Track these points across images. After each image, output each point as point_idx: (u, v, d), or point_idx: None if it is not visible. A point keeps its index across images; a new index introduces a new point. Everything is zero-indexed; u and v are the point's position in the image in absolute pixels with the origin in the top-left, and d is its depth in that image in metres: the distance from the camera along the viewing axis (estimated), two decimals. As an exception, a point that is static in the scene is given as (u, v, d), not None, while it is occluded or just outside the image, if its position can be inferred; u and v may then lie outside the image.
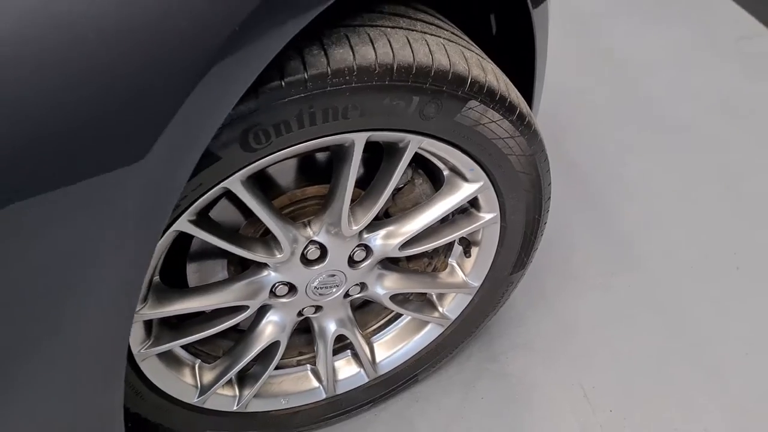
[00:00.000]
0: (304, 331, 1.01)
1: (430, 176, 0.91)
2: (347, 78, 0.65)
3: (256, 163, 0.67)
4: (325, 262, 0.83)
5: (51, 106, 0.45)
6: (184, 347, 0.89)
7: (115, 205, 0.52)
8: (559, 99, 1.58)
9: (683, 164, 1.50)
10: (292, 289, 0.84)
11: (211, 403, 0.92)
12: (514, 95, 0.79)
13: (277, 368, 0.96)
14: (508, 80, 0.80)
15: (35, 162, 0.46)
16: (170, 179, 0.54)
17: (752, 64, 1.74)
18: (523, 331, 1.21)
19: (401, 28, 0.70)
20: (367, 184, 0.82)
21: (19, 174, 0.46)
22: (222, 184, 0.67)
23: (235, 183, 0.68)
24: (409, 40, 0.69)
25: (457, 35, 0.77)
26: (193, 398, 0.89)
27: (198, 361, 0.90)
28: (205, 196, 0.68)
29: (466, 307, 1.02)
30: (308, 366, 1.02)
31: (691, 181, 1.46)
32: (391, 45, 0.67)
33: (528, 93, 0.95)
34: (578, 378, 1.15)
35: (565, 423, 1.09)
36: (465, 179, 0.84)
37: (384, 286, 0.93)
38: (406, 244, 0.87)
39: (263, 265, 0.82)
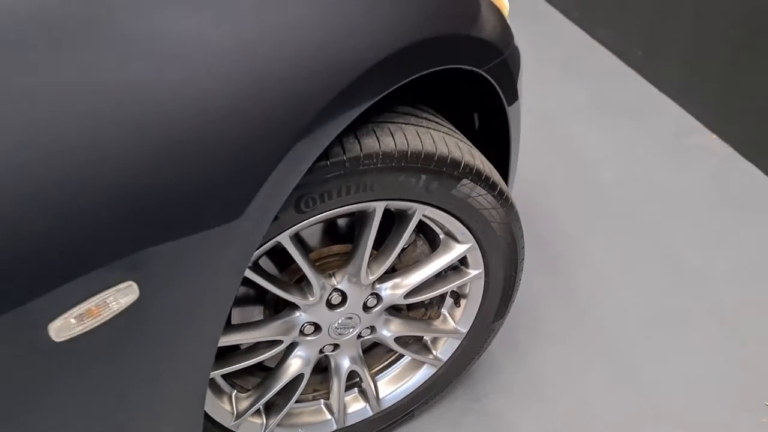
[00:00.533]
0: (318, 372, 1.19)
1: (428, 239, 1.13)
2: (374, 161, 0.87)
3: (303, 222, 0.88)
4: (345, 307, 1.03)
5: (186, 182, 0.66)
6: (224, 377, 1.07)
7: (219, 256, 0.72)
8: (528, 180, 1.84)
9: (628, 239, 1.75)
10: (317, 328, 1.04)
11: (243, 428, 1.09)
12: (495, 176, 1.03)
13: (296, 402, 1.14)
14: (490, 164, 1.04)
15: (173, 214, 0.67)
16: (255, 234, 0.75)
17: (687, 157, 2.03)
18: (501, 377, 1.41)
19: (411, 124, 0.94)
20: (378, 244, 1.03)
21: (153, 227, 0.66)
22: (276, 239, 0.88)
23: (285, 238, 0.89)
24: (418, 133, 0.92)
25: (452, 130, 1.01)
26: (230, 423, 1.06)
27: (234, 391, 1.08)
28: (262, 248, 0.88)
29: (455, 351, 1.22)
30: (322, 401, 1.20)
31: (636, 253, 1.71)
32: (405, 136, 0.91)
33: (505, 173, 1.19)
34: (549, 418, 1.34)
35: (539, 455, 1.27)
36: (457, 241, 1.07)
37: (389, 330, 1.12)
38: (408, 294, 1.08)
39: (295, 308, 1.01)
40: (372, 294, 1.05)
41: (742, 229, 1.78)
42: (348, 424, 1.20)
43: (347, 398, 1.21)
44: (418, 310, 1.21)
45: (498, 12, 1.03)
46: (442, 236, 1.08)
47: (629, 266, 1.67)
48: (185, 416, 0.87)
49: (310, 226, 0.95)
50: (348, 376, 1.16)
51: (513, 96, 1.08)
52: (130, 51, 0.64)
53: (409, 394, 1.23)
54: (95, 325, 0.67)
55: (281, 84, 0.70)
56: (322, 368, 1.18)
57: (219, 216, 0.70)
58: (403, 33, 0.82)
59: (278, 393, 1.09)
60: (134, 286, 0.67)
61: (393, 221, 1.02)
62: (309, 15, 0.75)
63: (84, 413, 0.75)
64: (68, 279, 0.63)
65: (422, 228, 1.10)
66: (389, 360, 1.23)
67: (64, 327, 0.65)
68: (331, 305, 1.02)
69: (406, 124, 0.93)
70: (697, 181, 1.94)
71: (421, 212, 0.98)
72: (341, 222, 1.07)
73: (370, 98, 0.80)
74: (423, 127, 0.95)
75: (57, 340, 0.65)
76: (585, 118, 2.19)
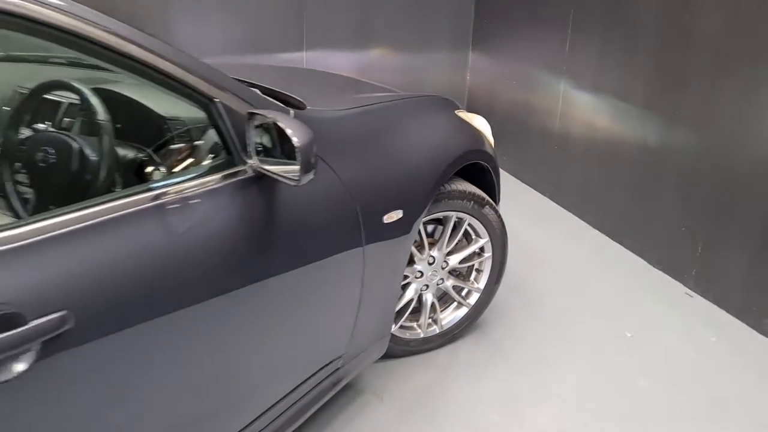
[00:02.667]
0: (414, 311, 2.42)
1: (466, 237, 2.45)
2: (453, 194, 2.22)
3: (425, 218, 2.20)
4: (433, 265, 2.32)
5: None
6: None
7: (407, 244, 2.02)
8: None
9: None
10: (422, 274, 2.31)
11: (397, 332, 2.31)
12: (494, 204, 2.38)
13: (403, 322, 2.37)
14: (490, 199, 2.39)
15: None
16: (415, 233, 2.06)
17: (578, 236, 3.46)
18: (500, 325, 2.66)
19: (462, 182, 2.31)
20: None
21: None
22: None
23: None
24: (466, 186, 2.29)
25: (473, 186, 2.37)
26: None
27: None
28: (408, 230, 2.19)
29: (477, 300, 2.49)
30: (416, 323, 2.42)
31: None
32: (463, 186, 2.27)
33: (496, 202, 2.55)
34: (535, 346, 2.59)
35: None
36: (480, 237, 2.39)
37: (450, 281, 2.40)
38: (459, 263, 2.38)
39: (413, 263, 2.29)
40: (444, 260, 2.35)
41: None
42: (427, 336, 2.42)
43: (428, 322, 2.45)
44: (461, 275, 2.50)
45: (489, 142, 2.45)
46: (473, 235, 2.40)
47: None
48: (391, 313, 2.10)
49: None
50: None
51: (497, 175, 2.48)
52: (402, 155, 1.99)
53: (454, 324, 2.48)
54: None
55: (432, 164, 2.07)
56: (415, 309, 2.42)
57: (408, 228, 2.00)
58: (460, 148, 2.21)
59: (398, 311, 2.32)
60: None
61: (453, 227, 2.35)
62: (435, 147, 2.14)
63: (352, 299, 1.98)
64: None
65: (465, 233, 2.42)
66: (447, 305, 2.49)
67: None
68: (428, 264, 2.31)
69: (460, 182, 2.30)
70: (581, 252, 3.36)
71: (468, 220, 2.31)
72: (430, 227, 2.38)
73: (452, 171, 2.17)
74: (468, 181, 2.31)
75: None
76: (526, 227, 3.62)
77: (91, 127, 1.49)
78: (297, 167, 1.36)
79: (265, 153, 1.44)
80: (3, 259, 1.04)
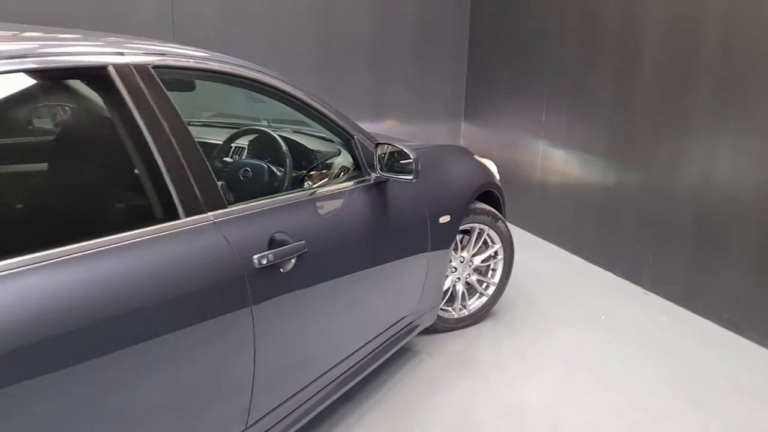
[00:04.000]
0: (450, 300, 3.35)
1: (484, 243, 3.42)
2: (476, 211, 3.21)
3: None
4: (464, 262, 3.27)
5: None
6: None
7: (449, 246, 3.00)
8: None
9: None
10: (456, 269, 3.26)
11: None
12: (504, 221, 3.37)
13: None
14: (500, 215, 3.38)
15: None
16: (454, 241, 3.05)
17: (568, 270, 4.46)
18: (512, 313, 3.59)
19: (482, 203, 3.30)
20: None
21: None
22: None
23: (454, 232, 3.18)
24: (485, 206, 3.29)
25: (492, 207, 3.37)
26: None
27: (429, 293, 3.25)
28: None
29: (493, 291, 3.43)
30: (450, 307, 3.34)
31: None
32: (483, 205, 3.27)
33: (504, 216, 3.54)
34: (544, 340, 3.51)
35: None
36: (494, 243, 3.37)
37: (474, 275, 3.35)
38: (481, 263, 3.34)
39: (450, 261, 3.24)
40: (470, 260, 3.31)
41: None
42: (459, 317, 3.34)
43: (456, 305, 3.37)
44: (481, 272, 3.44)
45: (497, 177, 3.48)
46: (489, 242, 3.37)
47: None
48: (441, 290, 3.04)
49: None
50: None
51: (504, 200, 3.49)
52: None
53: (478, 309, 3.41)
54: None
55: (466, 187, 3.08)
56: (451, 297, 3.34)
57: (453, 228, 2.99)
58: (481, 179, 3.24)
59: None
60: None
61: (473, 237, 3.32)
62: (466, 177, 3.16)
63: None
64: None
65: (484, 241, 3.39)
66: (472, 294, 3.43)
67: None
68: (459, 262, 3.26)
69: (480, 203, 3.30)
70: (562, 268, 4.36)
71: (486, 231, 3.30)
72: (459, 237, 3.35)
73: (476, 195, 3.18)
74: (484, 203, 3.31)
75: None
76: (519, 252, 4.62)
77: (275, 155, 2.45)
78: (408, 176, 2.33)
79: (381, 169, 2.41)
80: (287, 210, 1.98)
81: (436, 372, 2.97)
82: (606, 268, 4.30)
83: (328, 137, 2.55)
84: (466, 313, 3.38)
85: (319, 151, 2.61)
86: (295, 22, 5.01)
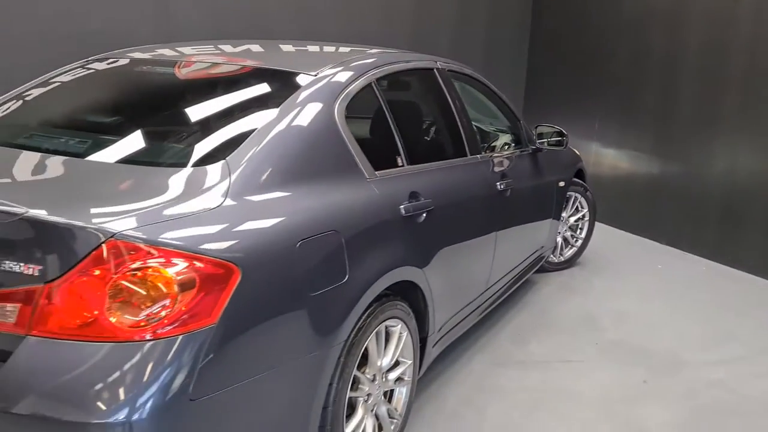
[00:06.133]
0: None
1: (575, 209, 4.67)
2: (575, 185, 4.47)
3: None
4: (563, 220, 4.52)
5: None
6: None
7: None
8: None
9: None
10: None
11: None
12: (590, 191, 4.63)
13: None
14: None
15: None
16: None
17: (621, 242, 5.73)
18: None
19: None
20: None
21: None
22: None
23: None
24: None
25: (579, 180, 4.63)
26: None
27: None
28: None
29: (580, 244, 4.67)
30: (552, 254, 4.57)
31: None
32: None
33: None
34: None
35: None
36: (583, 208, 4.62)
37: (568, 232, 4.60)
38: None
39: (554, 219, 4.49)
40: (567, 219, 4.55)
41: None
42: (559, 261, 4.57)
43: (559, 253, 4.60)
44: (573, 230, 4.69)
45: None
46: (580, 207, 4.62)
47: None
48: (556, 234, 4.27)
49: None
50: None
51: (586, 177, 4.76)
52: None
53: (571, 256, 4.65)
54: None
55: (573, 163, 4.34)
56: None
57: (566, 189, 4.24)
58: (578, 160, 4.51)
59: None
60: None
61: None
62: (574, 157, 4.43)
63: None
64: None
65: (576, 207, 4.63)
66: (567, 245, 4.67)
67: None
68: (561, 219, 4.52)
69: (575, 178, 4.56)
70: (618, 240, 5.64)
71: (579, 198, 4.55)
72: (557, 205, 4.60)
73: (575, 170, 4.44)
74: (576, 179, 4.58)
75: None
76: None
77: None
78: (560, 146, 3.62)
79: (539, 141, 3.68)
80: (511, 159, 3.25)
81: (553, 293, 4.20)
82: (652, 239, 5.58)
83: (484, 128, 3.80)
84: (563, 259, 4.62)
85: (492, 132, 3.87)
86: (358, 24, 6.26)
